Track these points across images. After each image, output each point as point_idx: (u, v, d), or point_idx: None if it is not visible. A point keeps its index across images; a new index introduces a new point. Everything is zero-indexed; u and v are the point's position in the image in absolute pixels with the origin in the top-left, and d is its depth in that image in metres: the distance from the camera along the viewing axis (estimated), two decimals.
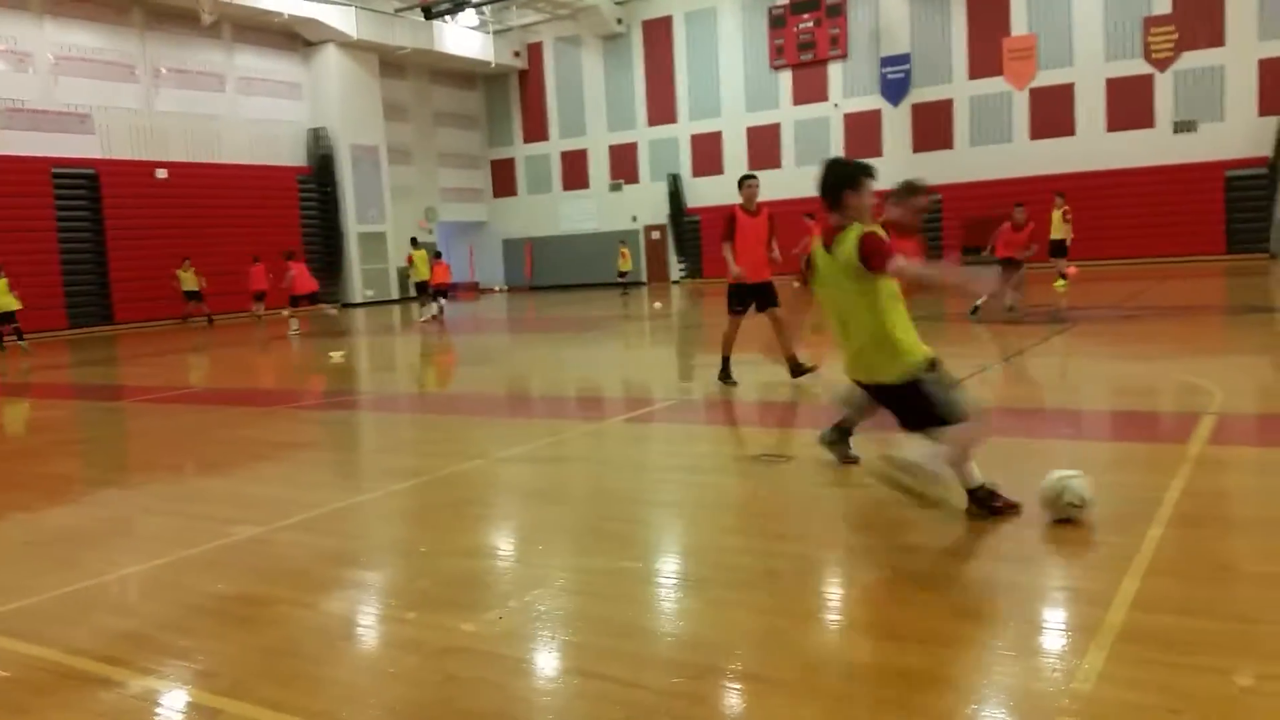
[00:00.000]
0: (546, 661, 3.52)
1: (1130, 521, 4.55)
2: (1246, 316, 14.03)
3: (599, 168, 38.34)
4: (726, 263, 9.39)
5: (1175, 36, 27.97)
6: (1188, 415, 7.03)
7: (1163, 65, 28.28)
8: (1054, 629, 3.55)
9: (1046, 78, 29.73)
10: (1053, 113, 29.78)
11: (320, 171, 32.90)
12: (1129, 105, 28.79)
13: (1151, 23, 28.27)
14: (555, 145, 39.20)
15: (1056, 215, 20.64)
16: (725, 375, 9.40)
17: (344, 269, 33.57)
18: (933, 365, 4.57)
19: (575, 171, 39.02)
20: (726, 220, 9.53)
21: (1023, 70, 30.03)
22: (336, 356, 15.55)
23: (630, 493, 5.88)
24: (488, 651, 3.52)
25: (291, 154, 32.42)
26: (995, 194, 27.16)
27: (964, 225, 27.45)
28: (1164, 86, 28.38)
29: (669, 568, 4.54)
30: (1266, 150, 26.99)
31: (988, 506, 4.62)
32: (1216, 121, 27.68)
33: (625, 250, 33.16)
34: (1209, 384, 8.09)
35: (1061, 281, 19.92)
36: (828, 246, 4.69)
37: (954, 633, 3.54)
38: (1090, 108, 29.34)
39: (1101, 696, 2.95)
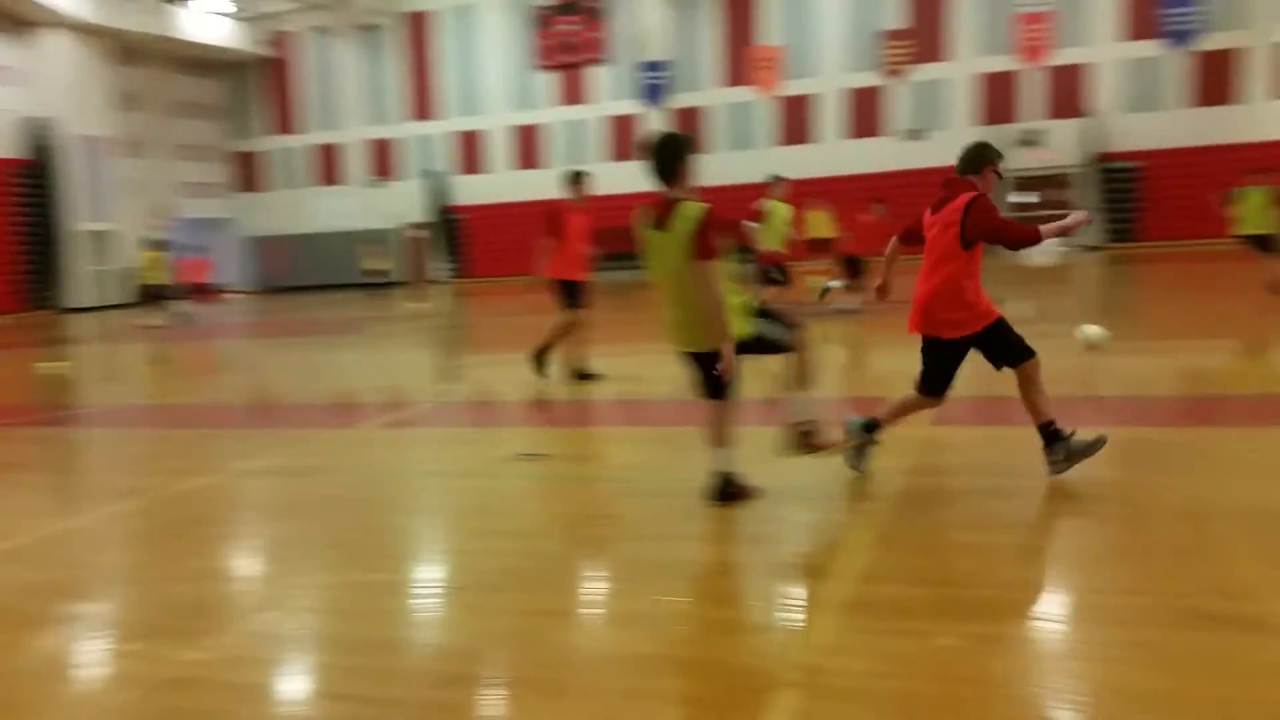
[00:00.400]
0: (286, 686, 3.34)
1: (856, 499, 4.90)
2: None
3: (357, 163, 37.07)
4: (544, 259, 9.09)
5: (909, 50, 30.40)
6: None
7: (897, 77, 30.66)
8: (785, 605, 3.75)
9: (792, 87, 31.52)
10: (797, 120, 31.67)
11: (39, 165, 29.87)
12: (865, 114, 31.04)
13: (887, 36, 30.58)
14: (308, 139, 37.55)
15: (820, 216, 22.19)
16: (580, 375, 9.20)
17: (63, 271, 30.62)
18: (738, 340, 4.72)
19: (331, 167, 37.53)
20: (551, 215, 9.23)
21: (769, 79, 31.68)
22: (50, 367, 14.15)
23: (382, 501, 5.69)
24: (217, 680, 3.29)
25: (5, 145, 29.25)
26: (746, 198, 28.48)
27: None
28: (896, 97, 30.79)
29: (420, 576, 4.44)
30: None
31: (730, 493, 4.78)
32: (941, 130, 30.32)
33: (379, 249, 32.29)
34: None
35: (825, 280, 21.23)
36: (661, 220, 4.61)
37: (693, 616, 3.67)
38: (831, 116, 31.40)
39: (825, 667, 3.14)
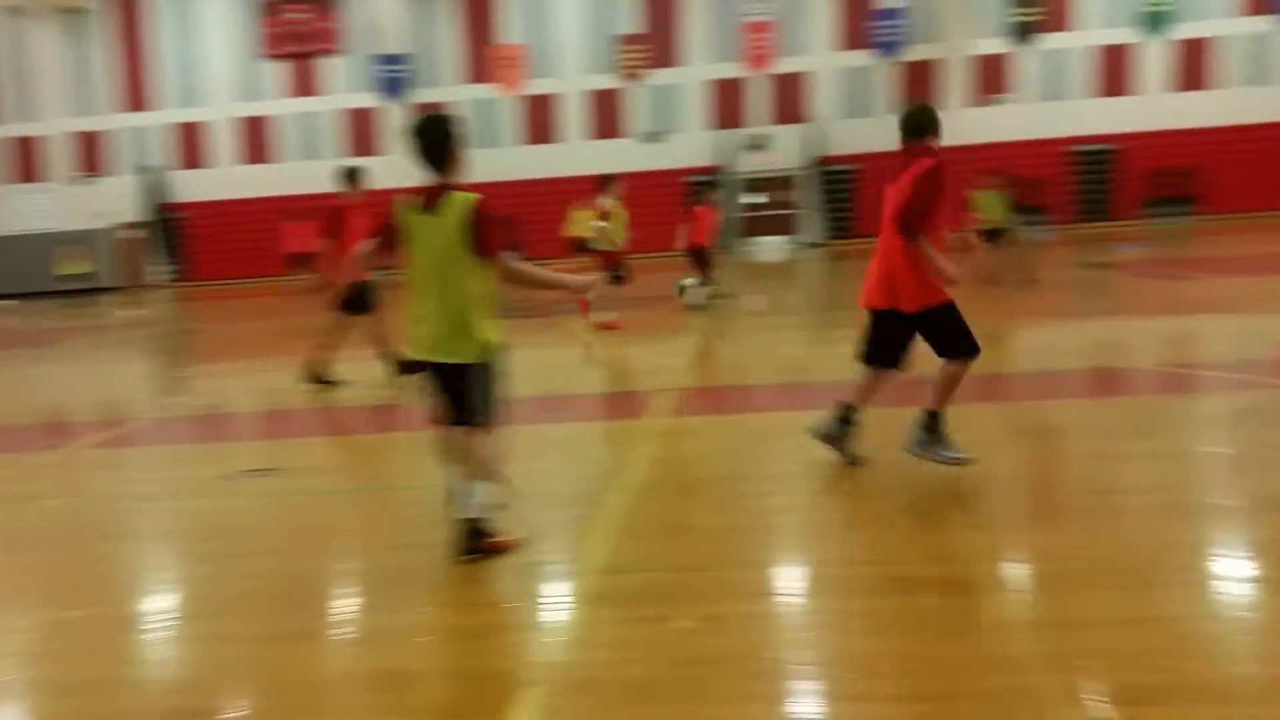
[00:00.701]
0: None
1: (599, 494, 5.00)
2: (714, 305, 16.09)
3: (60, 158, 33.61)
4: (335, 261, 8.44)
5: (645, 55, 31.33)
6: (647, 393, 7.88)
7: (634, 80, 31.52)
8: (530, 606, 3.77)
9: (535, 86, 31.70)
10: (541, 120, 31.90)
11: None
12: (606, 116, 31.73)
13: (624, 41, 31.37)
14: (1, 131, 33.64)
15: (585, 216, 22.53)
16: (404, 368, 8.29)
17: None
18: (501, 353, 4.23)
19: (27, 161, 33.81)
20: (330, 215, 8.68)
21: (512, 78, 31.70)
22: None
23: (99, 529, 5.20)
24: None
25: None
26: (489, 197, 28.40)
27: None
28: (635, 100, 31.68)
29: (144, 609, 4.09)
30: (712, 160, 31.28)
31: (482, 546, 4.12)
32: (677, 133, 31.50)
33: (78, 251, 29.49)
34: (667, 364, 9.17)
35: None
36: (429, 207, 4.06)
37: (436, 625, 3.62)
38: (573, 118, 31.86)
39: (568, 661, 3.19)
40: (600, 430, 6.97)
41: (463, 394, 4.07)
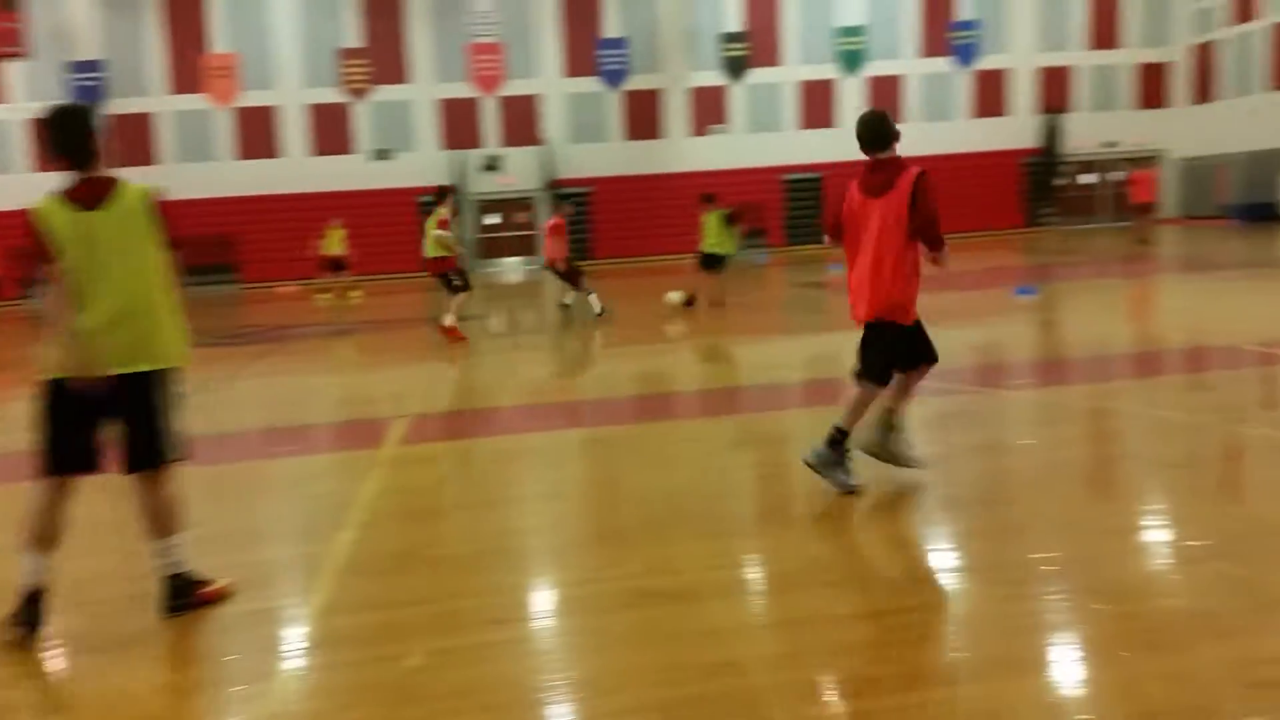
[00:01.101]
0: None
1: (326, 530, 4.68)
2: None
3: None
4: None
5: (369, 70, 30.38)
6: (385, 420, 7.54)
7: (359, 96, 30.50)
8: (249, 656, 3.43)
9: (250, 98, 29.93)
10: (259, 134, 30.14)
11: None
12: (331, 131, 30.48)
13: (346, 55, 30.28)
14: None
15: (337, 234, 22.36)
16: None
17: None
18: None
19: None
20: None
21: (225, 89, 29.77)
22: None
23: None
24: None
25: None
26: (202, 213, 26.51)
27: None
28: (361, 116, 30.65)
29: None
30: (448, 180, 30.89)
31: (189, 601, 3.71)
32: (409, 152, 30.79)
33: None
34: (408, 389, 8.84)
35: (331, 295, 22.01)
36: (91, 204, 3.57)
37: (147, 684, 3.20)
38: (295, 131, 30.36)
39: (289, 713, 2.91)
40: (331, 462, 6.57)
41: (141, 418, 3.56)
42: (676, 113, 31.89)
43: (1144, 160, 33.21)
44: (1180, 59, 33.57)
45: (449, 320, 12.11)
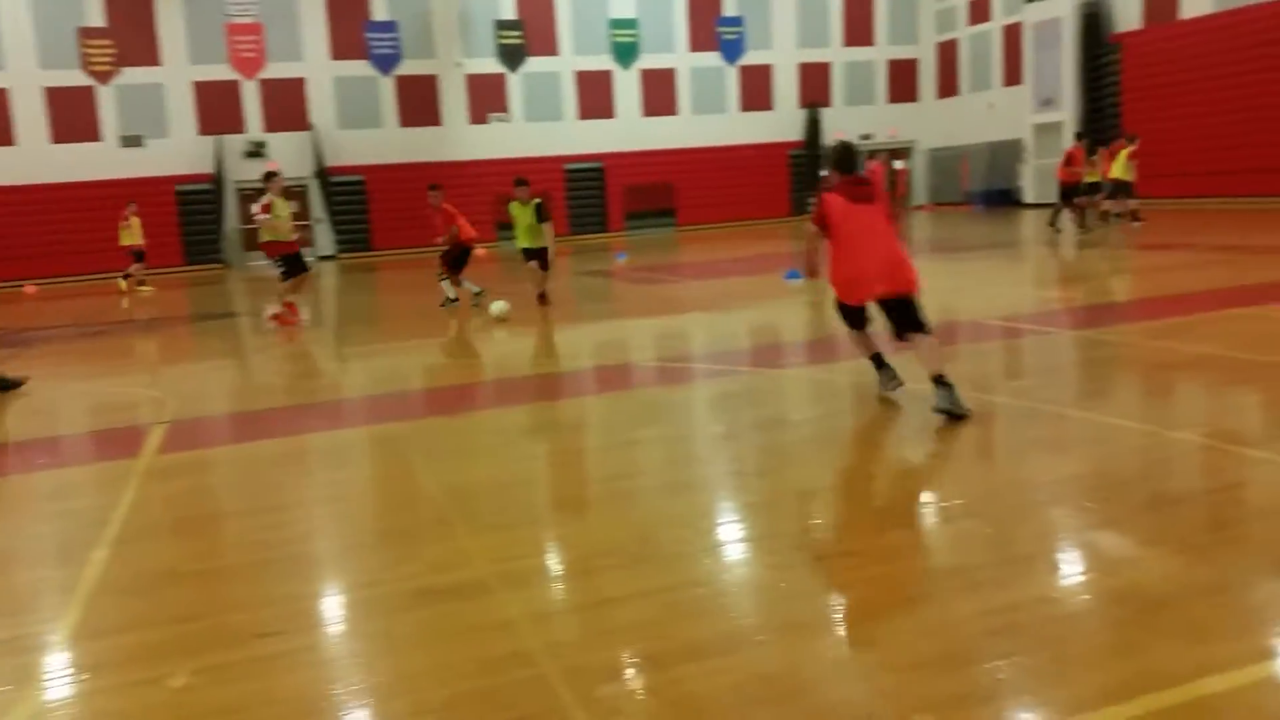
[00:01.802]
0: None
1: (77, 549, 4.28)
2: (205, 324, 14.80)
3: None
4: None
5: (113, 51, 27.98)
6: (139, 429, 6.98)
7: (103, 79, 28.05)
8: None
9: None
10: None
11: None
12: (73, 117, 27.89)
13: (86, 34, 27.76)
14: None
15: (136, 223, 21.31)
16: None
17: None
18: None
19: None
20: None
21: None
22: None
23: None
24: None
25: None
26: None
27: None
28: (107, 100, 28.22)
29: None
30: (210, 167, 28.97)
31: None
32: (163, 138, 28.64)
33: None
34: (163, 394, 8.22)
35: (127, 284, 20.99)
36: None
37: None
38: (31, 117, 27.57)
39: None
40: (87, 475, 5.99)
41: None
42: (454, 99, 31.33)
43: (899, 151, 35.66)
44: (926, 56, 36.23)
45: (275, 309, 12.36)
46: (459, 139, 31.15)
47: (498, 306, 11.43)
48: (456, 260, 13.37)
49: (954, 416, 5.44)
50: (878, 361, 6.24)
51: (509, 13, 31.50)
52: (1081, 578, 3.42)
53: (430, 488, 4.97)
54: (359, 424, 6.83)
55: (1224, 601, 3.06)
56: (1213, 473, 4.48)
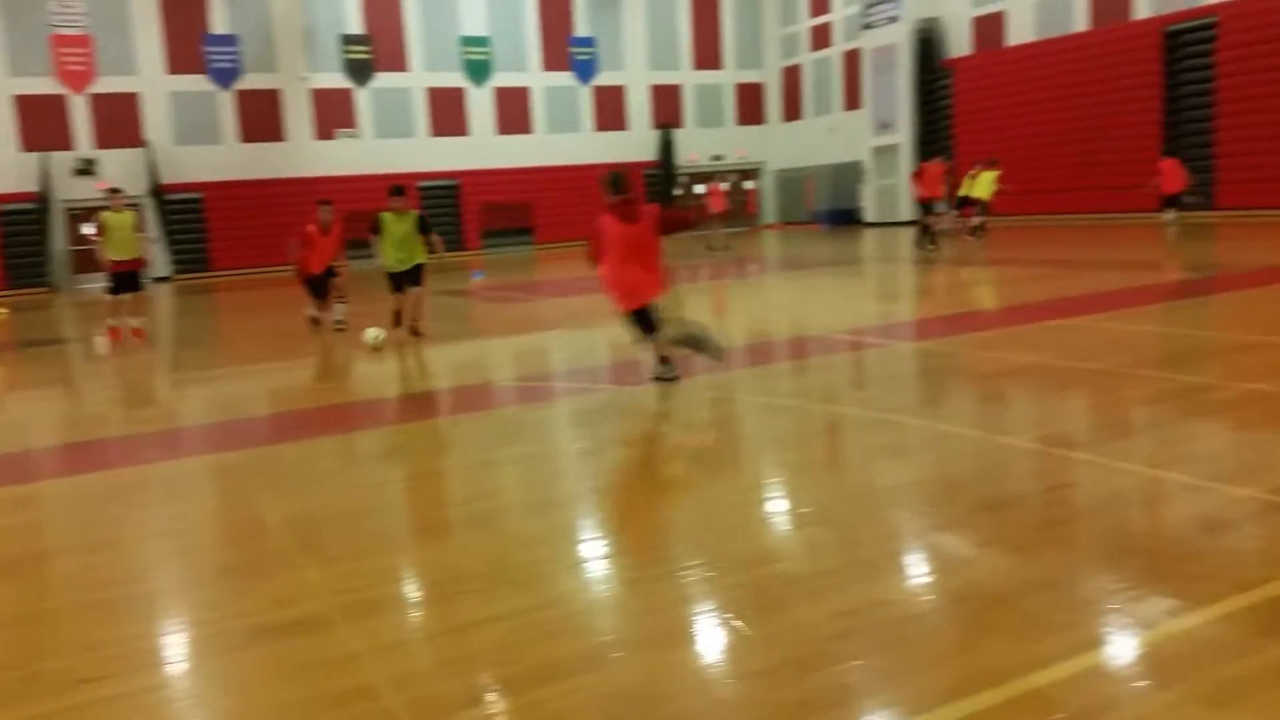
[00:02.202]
0: None
1: None
2: (31, 351, 13.82)
3: None
4: None
5: None
6: None
7: None
8: None
9: None
10: None
11: None
12: None
13: None
14: None
15: None
16: None
17: None
18: None
19: None
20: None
21: None
22: None
23: None
24: None
25: None
26: None
27: None
28: None
29: None
30: (35, 185, 27.18)
31: None
32: None
33: None
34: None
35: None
36: None
37: None
38: None
39: None
40: None
41: None
42: (298, 115, 30.41)
43: (748, 172, 36.61)
44: (772, 80, 37.40)
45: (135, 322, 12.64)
46: (305, 155, 30.24)
47: (372, 334, 10.30)
48: (316, 287, 12.53)
49: (666, 380, 7.21)
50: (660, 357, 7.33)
51: (356, 27, 30.84)
52: (921, 579, 3.56)
53: (272, 519, 4.76)
54: (197, 453, 6.49)
55: (1054, 596, 3.23)
56: (1040, 475, 4.75)
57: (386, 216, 11.20)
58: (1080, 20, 26.13)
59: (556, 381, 8.33)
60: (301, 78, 30.09)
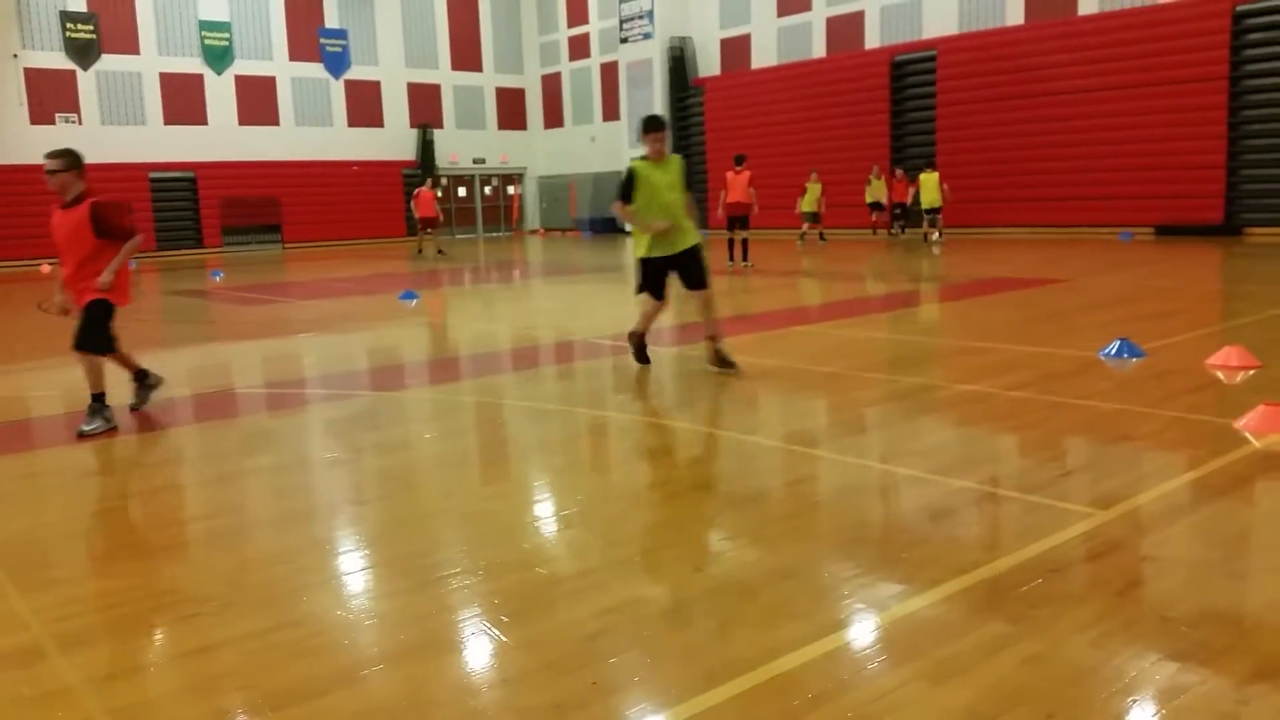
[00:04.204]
0: None
1: None
2: None
3: None
4: None
5: None
6: None
7: None
8: None
9: None
10: None
11: None
12: None
13: None
14: None
15: None
16: None
17: None
18: None
19: None
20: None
21: None
22: None
23: None
24: None
25: None
26: None
27: None
28: None
29: None
30: None
31: None
32: None
33: None
34: None
35: None
36: None
37: None
38: None
39: None
40: None
41: None
42: (9, 95, 27.40)
43: (511, 177, 36.53)
44: (533, 87, 37.56)
45: None
46: (19, 140, 27.29)
47: None
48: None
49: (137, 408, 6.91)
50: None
51: (79, 4, 28.18)
52: (676, 575, 3.66)
53: None
54: None
55: (795, 585, 3.42)
56: (783, 470, 5.02)
57: (641, 167, 7.57)
58: (818, 47, 28.00)
59: (310, 388, 7.94)
60: (14, 54, 27.13)
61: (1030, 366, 7.29)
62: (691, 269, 7.61)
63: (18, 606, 3.50)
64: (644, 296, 7.78)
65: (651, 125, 7.50)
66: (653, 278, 7.67)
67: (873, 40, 26.75)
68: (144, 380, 7.06)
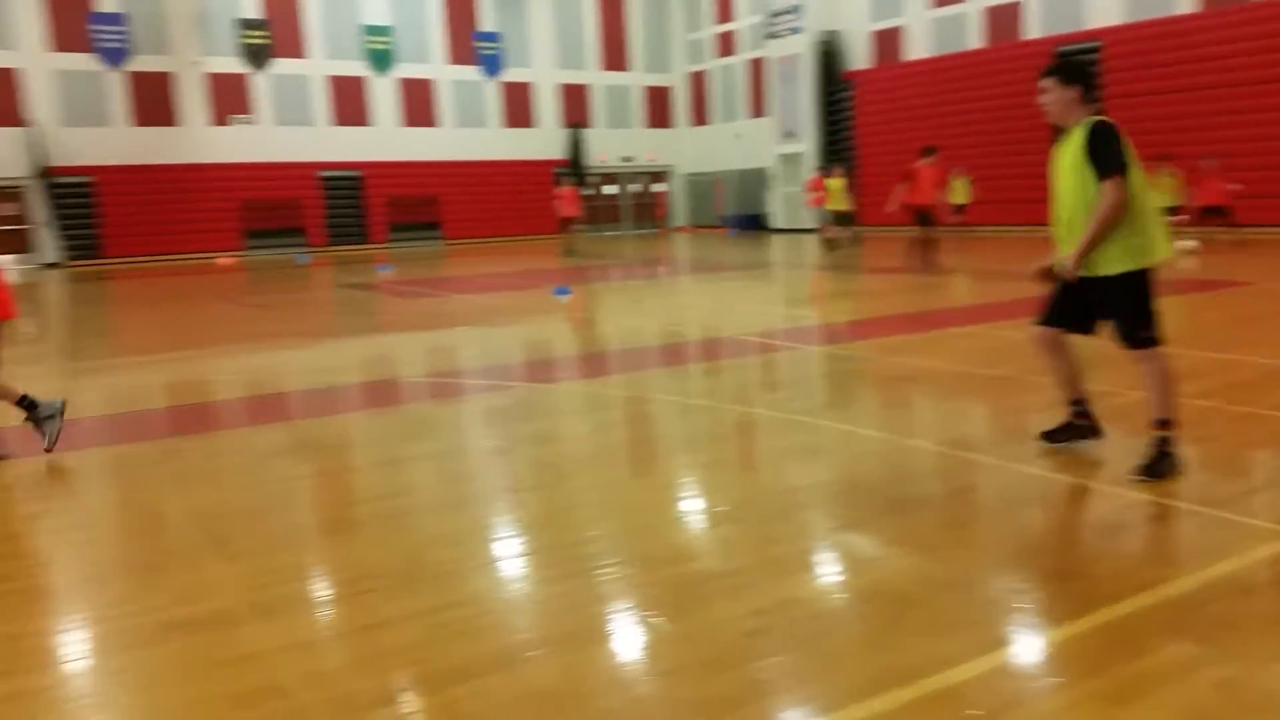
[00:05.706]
0: None
1: None
2: None
3: None
4: None
5: None
6: None
7: None
8: None
9: None
10: None
11: None
12: None
13: None
14: None
15: None
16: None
17: None
18: None
19: None
20: None
21: None
22: None
23: None
24: None
25: None
26: None
27: None
28: None
29: None
30: None
31: None
32: None
33: None
34: None
35: None
36: None
37: None
38: None
39: None
40: None
41: None
42: (192, 99, 29.36)
43: (659, 175, 36.77)
44: (680, 85, 37.68)
45: None
46: (198, 141, 29.22)
47: None
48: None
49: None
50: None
51: (252, 11, 29.94)
52: (832, 578, 3.62)
53: (175, 514, 4.57)
54: (92, 445, 6.20)
55: (960, 596, 3.32)
56: (945, 477, 4.88)
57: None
58: (974, 38, 27.05)
59: (468, 379, 8.22)
60: (194, 61, 29.05)
61: (1215, 374, 6.85)
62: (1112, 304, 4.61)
63: (217, 575, 3.76)
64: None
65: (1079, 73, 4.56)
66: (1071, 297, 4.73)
67: (1032, 31, 25.65)
68: (33, 410, 5.86)
